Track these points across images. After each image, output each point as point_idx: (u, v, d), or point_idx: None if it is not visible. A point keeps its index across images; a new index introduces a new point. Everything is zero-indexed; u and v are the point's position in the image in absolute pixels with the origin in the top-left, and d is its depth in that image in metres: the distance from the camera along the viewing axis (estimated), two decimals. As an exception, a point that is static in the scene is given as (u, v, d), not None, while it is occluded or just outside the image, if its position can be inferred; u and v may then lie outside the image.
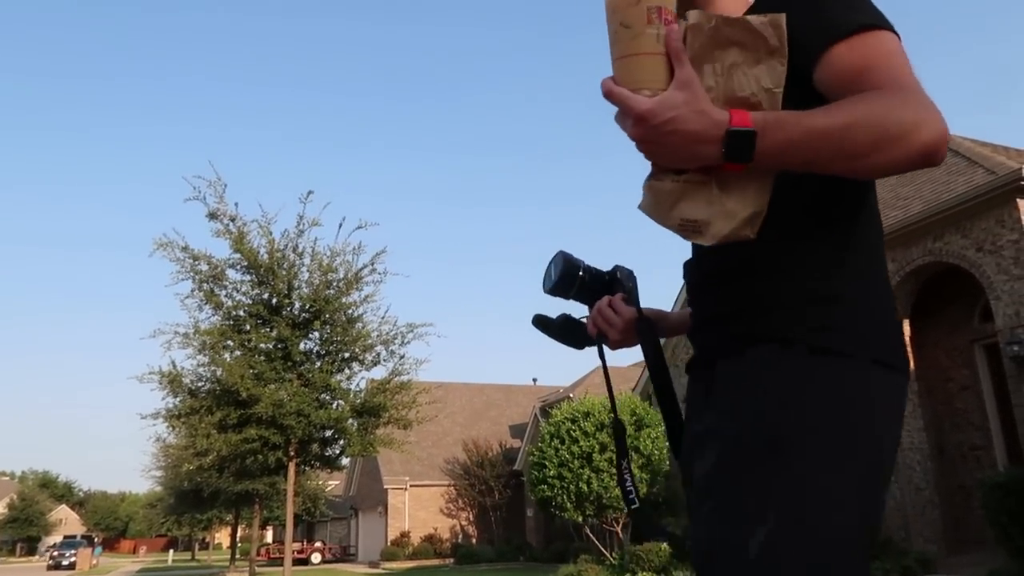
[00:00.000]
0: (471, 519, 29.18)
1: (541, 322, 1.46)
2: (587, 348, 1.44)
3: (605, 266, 1.42)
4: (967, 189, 9.84)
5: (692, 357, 1.22)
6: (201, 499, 25.14)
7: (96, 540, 66.40)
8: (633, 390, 16.86)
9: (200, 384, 12.63)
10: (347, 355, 13.47)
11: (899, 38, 1.03)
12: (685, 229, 1.01)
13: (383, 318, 13.78)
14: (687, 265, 1.27)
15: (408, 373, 13.77)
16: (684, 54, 0.95)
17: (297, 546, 34.82)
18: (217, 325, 12.52)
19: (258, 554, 34.32)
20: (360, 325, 13.44)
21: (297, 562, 33.17)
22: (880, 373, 1.03)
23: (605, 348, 1.41)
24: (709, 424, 1.08)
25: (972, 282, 10.18)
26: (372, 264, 13.26)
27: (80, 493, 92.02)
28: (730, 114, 0.92)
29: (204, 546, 65.12)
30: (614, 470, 13.58)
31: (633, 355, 16.69)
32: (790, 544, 0.95)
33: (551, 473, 13.96)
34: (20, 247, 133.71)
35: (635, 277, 1.40)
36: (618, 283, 1.38)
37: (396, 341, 13.57)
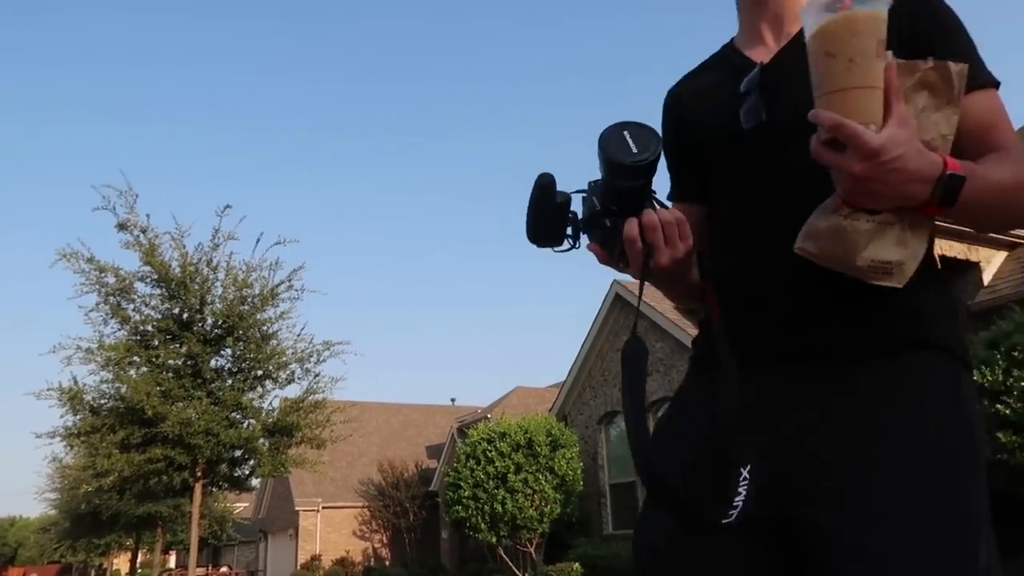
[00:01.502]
0: (385, 541, 28.68)
1: (547, 186, 1.10)
2: (554, 249, 1.15)
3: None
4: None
5: (785, 351, 1.09)
6: (99, 523, 23.82)
7: (-21, 568, 61.87)
8: (550, 411, 17.00)
9: (103, 402, 12.08)
10: (260, 373, 13.13)
11: None
12: (875, 271, 0.98)
13: (299, 335, 13.53)
14: (735, 272, 1.18)
15: (323, 392, 13.52)
16: (902, 92, 0.93)
17: (201, 571, 33.46)
18: (123, 340, 12.01)
19: (160, 580, 32.78)
20: (275, 342, 13.15)
21: (201, 588, 31.87)
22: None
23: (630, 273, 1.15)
24: (867, 431, 1.01)
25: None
26: (289, 280, 13.02)
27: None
28: (943, 158, 0.93)
29: (101, 573, 61.62)
30: (529, 490, 13.64)
31: (553, 376, 16.86)
32: (993, 556, 0.98)
33: (466, 494, 13.90)
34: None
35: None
36: (658, 203, 1.12)
37: (312, 359, 13.33)
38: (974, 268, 10.49)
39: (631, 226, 1.08)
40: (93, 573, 61.08)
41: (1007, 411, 7.03)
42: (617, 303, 15.62)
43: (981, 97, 1.06)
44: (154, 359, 11.95)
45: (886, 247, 0.97)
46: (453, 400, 36.45)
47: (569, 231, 1.14)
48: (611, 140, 1.06)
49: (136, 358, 11.95)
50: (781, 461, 1.03)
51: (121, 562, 52.03)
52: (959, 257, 10.34)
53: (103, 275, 11.74)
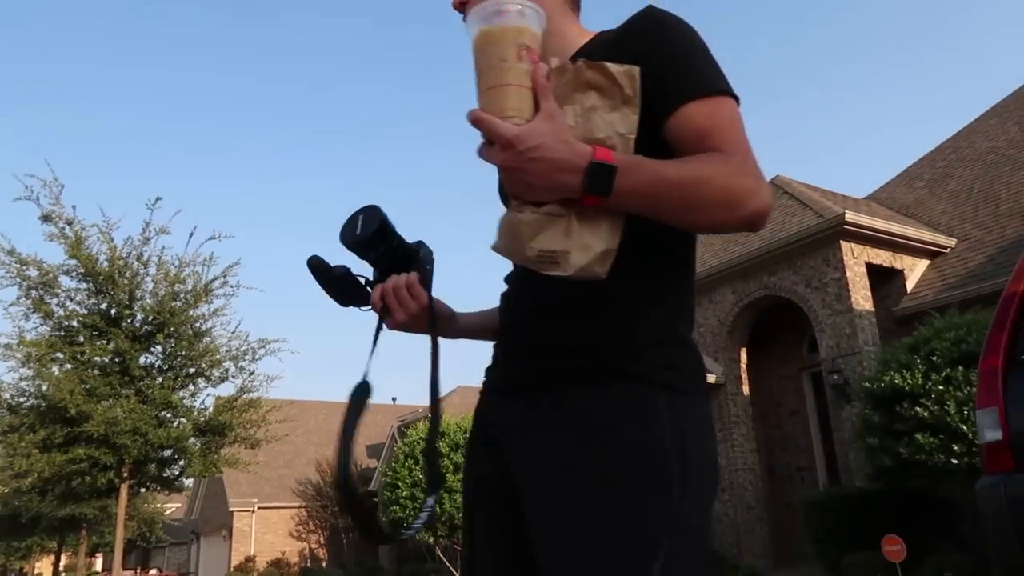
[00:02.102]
0: (322, 542, 28.27)
1: (317, 266, 1.30)
2: (354, 308, 1.34)
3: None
4: (799, 229, 10.69)
5: (511, 379, 1.21)
6: (19, 525, 22.80)
7: None
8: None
9: (22, 400, 11.59)
10: (192, 370, 12.78)
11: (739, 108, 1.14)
12: (543, 260, 1.03)
13: (234, 333, 13.21)
14: (510, 294, 1.29)
15: (258, 390, 13.24)
16: (550, 90, 1.00)
17: (130, 574, 32.46)
18: (46, 336, 11.55)
19: (84, 584, 31.61)
20: (208, 339, 12.81)
21: (129, 591, 30.91)
22: (706, 407, 1.15)
23: (382, 325, 1.33)
24: (556, 453, 1.08)
25: (802, 315, 11.04)
26: (224, 276, 12.71)
27: None
28: (593, 148, 0.98)
29: (22, 576, 59.07)
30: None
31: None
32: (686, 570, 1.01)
33: (404, 494, 13.80)
34: None
35: (434, 261, 1.35)
36: (419, 262, 1.31)
37: (247, 357, 13.04)
38: (898, 275, 10.89)
39: (374, 293, 1.28)
40: (13, 577, 58.59)
41: (925, 413, 7.29)
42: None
43: (701, 106, 1.07)
44: (79, 356, 11.52)
45: (553, 238, 1.01)
46: (394, 399, 36.08)
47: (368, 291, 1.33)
48: (346, 223, 1.26)
49: (59, 354, 11.51)
50: (503, 478, 1.15)
51: (44, 566, 50.13)
52: (884, 265, 10.72)
53: (24, 268, 11.27)
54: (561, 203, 1.01)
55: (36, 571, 56.11)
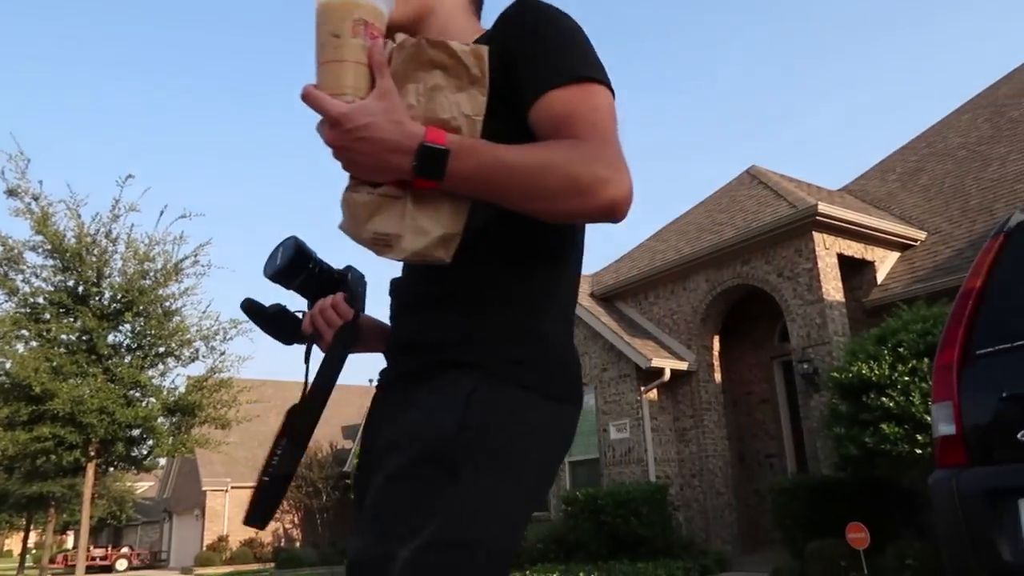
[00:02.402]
0: (296, 522, 28.24)
1: (251, 308, 1.32)
2: (296, 345, 1.34)
3: (340, 264, 1.35)
4: (772, 220, 10.72)
5: (389, 376, 1.21)
6: (-17, 502, 22.66)
7: None
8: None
9: (-16, 377, 11.39)
10: (162, 350, 12.64)
11: (614, 96, 1.08)
12: (377, 243, 1.01)
13: (204, 312, 13.12)
14: (394, 283, 1.27)
15: (229, 371, 13.12)
16: (386, 67, 0.97)
17: (100, 552, 32.24)
18: (10, 313, 11.34)
19: (53, 561, 31.37)
20: (178, 319, 12.66)
21: (101, 569, 30.72)
22: (555, 407, 1.09)
23: (315, 348, 1.32)
24: (389, 438, 1.08)
25: (773, 304, 11.10)
26: (195, 255, 12.54)
27: None
28: (426, 130, 0.95)
29: (-8, 553, 58.61)
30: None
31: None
32: (438, 562, 0.96)
33: (376, 476, 13.77)
34: None
35: (366, 283, 1.34)
36: (346, 284, 1.31)
37: (217, 337, 12.90)
38: (869, 267, 10.96)
39: (305, 320, 1.29)
40: (-17, 553, 58.07)
41: (891, 404, 7.36)
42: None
43: (561, 93, 1.03)
44: (44, 333, 11.34)
45: (389, 220, 0.99)
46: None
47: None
48: (268, 258, 1.29)
49: (25, 332, 11.33)
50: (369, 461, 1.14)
51: (13, 542, 49.71)
52: (856, 256, 10.78)
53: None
54: (397, 184, 0.98)
55: (5, 548, 55.68)
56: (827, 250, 10.40)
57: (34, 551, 33.17)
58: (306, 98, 0.95)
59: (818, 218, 10.17)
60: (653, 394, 12.40)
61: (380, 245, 1.01)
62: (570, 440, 1.13)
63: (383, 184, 0.99)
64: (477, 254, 1.09)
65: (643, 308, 13.63)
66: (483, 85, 1.00)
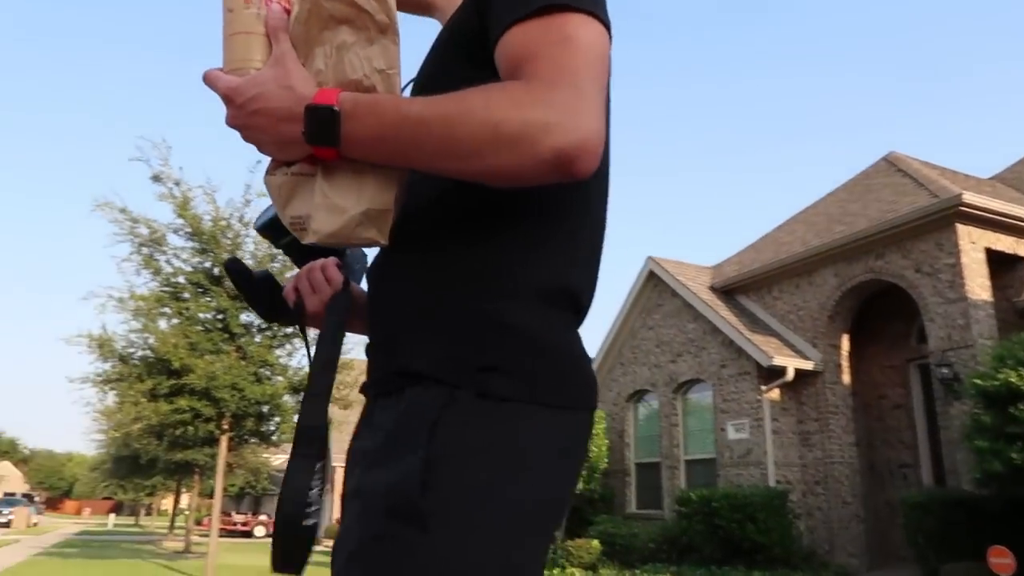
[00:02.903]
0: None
1: (235, 269, 1.18)
2: (276, 324, 1.21)
3: None
4: (911, 210, 9.89)
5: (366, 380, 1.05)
6: (139, 466, 24.65)
7: (38, 499, 65.25)
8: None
9: (132, 351, 12.32)
10: (289, 330, 13.23)
11: (601, 23, 0.88)
12: (295, 227, 0.91)
13: (331, 295, 13.53)
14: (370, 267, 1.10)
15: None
16: (283, 32, 0.88)
17: (242, 518, 34.51)
18: (154, 291, 12.20)
19: (199, 523, 33.92)
20: (305, 301, 13.19)
21: (242, 534, 32.87)
22: (548, 416, 0.87)
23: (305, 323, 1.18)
24: (353, 483, 0.93)
25: (910, 302, 10.25)
26: (320, 240, 13.00)
27: (25, 451, 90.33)
28: (316, 92, 0.84)
29: (150, 512, 64.43)
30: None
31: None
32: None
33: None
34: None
35: (366, 259, 1.18)
36: (342, 251, 1.16)
37: (340, 320, 13.34)
38: (1021, 263, 9.89)
39: (288, 285, 1.17)
40: (143, 511, 63.85)
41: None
42: (651, 280, 15.27)
43: (523, 28, 0.86)
44: (184, 311, 12.10)
45: (303, 201, 0.90)
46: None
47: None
48: (264, 210, 1.17)
49: (167, 309, 12.13)
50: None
51: (169, 503, 54.14)
52: (1007, 251, 9.76)
53: (136, 226, 11.90)
54: (310, 161, 0.88)
55: (163, 507, 60.80)
56: (973, 244, 9.47)
57: (185, 512, 35.97)
58: (204, 79, 0.88)
59: (963, 209, 9.27)
60: (775, 394, 11.79)
61: (297, 229, 0.91)
62: (578, 451, 0.91)
63: (296, 162, 0.89)
64: (432, 231, 0.93)
65: (766, 303, 12.98)
66: (394, 32, 0.88)
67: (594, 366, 13.53)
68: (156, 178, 11.76)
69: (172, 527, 33.28)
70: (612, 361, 16.25)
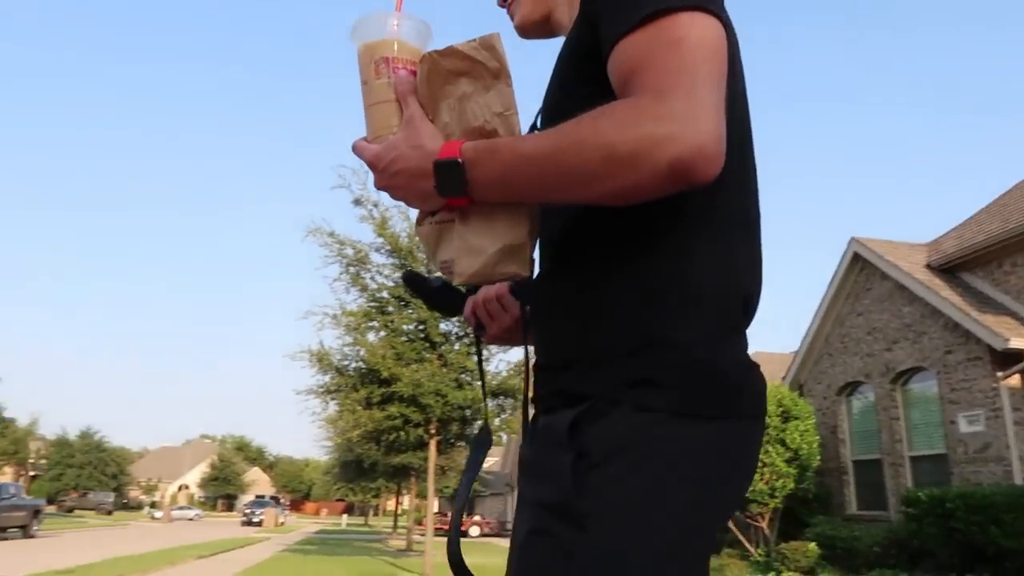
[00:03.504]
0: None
1: (413, 280, 1.29)
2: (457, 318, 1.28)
3: None
4: None
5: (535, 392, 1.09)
6: (363, 469, 26.68)
7: (283, 501, 72.64)
8: (783, 379, 15.94)
9: (346, 363, 13.35)
10: (485, 337, 13.71)
11: (710, 14, 0.84)
12: (445, 271, 0.98)
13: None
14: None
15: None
16: (410, 95, 0.95)
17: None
18: (362, 307, 13.15)
19: (419, 523, 36.02)
20: (498, 308, 13.62)
21: (456, 534, 34.53)
22: (704, 427, 0.87)
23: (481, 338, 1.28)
24: (533, 479, 0.97)
25: None
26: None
27: (270, 457, 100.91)
28: (441, 146, 0.89)
29: (377, 512, 69.57)
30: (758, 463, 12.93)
31: (790, 343, 15.73)
32: None
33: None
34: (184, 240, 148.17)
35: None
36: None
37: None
38: None
39: (467, 306, 1.24)
40: (372, 512, 69.10)
41: None
42: (856, 263, 14.16)
43: (630, 40, 0.84)
44: (389, 324, 12.95)
45: (448, 246, 0.97)
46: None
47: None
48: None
49: (374, 323, 13.04)
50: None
51: (393, 504, 58.11)
52: None
53: (343, 248, 12.90)
54: (448, 208, 0.95)
55: (388, 508, 65.30)
56: None
57: (405, 512, 38.47)
58: (352, 150, 0.98)
59: None
60: (1015, 380, 10.48)
61: (447, 273, 0.98)
62: (738, 458, 0.91)
63: (438, 212, 0.97)
64: (579, 255, 0.96)
65: (995, 279, 11.59)
66: (506, 75, 0.93)
67: (798, 359, 12.77)
68: (357, 201, 12.70)
69: (395, 527, 35.64)
70: (819, 352, 15.24)
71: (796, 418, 13.31)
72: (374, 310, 13.16)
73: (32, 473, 56.60)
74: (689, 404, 0.87)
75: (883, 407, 13.15)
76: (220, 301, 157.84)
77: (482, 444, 1.15)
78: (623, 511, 0.84)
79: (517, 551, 0.94)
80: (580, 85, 0.95)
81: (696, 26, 0.83)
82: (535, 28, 1.16)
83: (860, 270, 14.13)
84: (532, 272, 0.96)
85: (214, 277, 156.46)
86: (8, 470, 49.28)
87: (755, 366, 0.96)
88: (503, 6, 1.19)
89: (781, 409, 13.32)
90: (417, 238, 1.27)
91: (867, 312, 13.86)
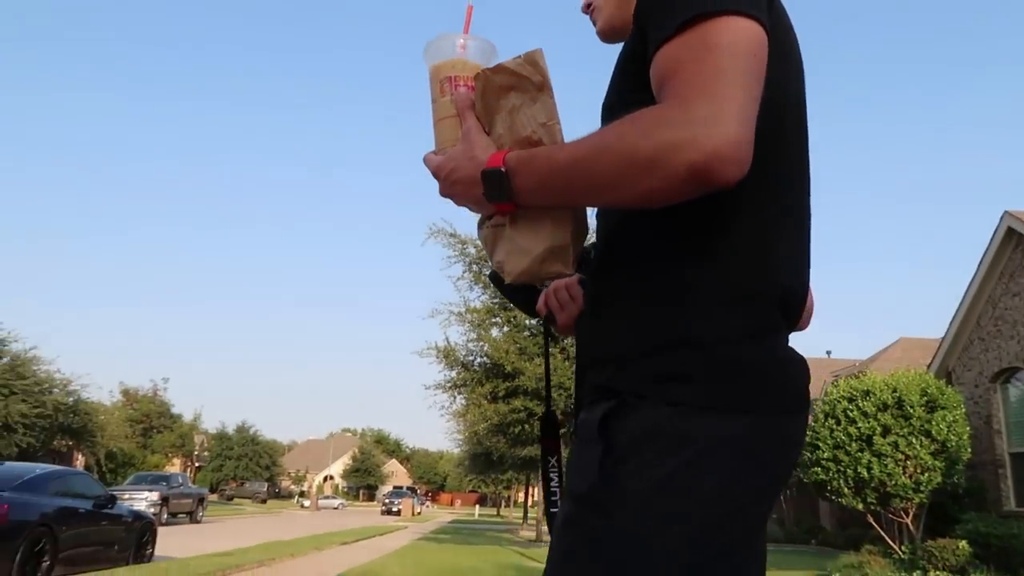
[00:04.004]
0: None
1: (496, 278, 1.36)
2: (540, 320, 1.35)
3: None
4: None
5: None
6: (492, 462, 27.26)
7: (420, 492, 75.25)
8: (928, 367, 14.96)
9: (471, 358, 13.74)
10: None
11: (748, 17, 0.87)
12: (501, 271, 1.06)
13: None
14: None
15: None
16: (468, 110, 1.04)
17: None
18: (485, 304, 13.49)
19: (551, 515, 36.31)
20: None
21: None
22: (733, 422, 0.90)
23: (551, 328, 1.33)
24: (571, 472, 1.03)
25: None
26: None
27: (407, 450, 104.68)
28: (489, 156, 0.98)
29: (508, 503, 70.84)
30: (900, 455, 12.24)
31: (938, 328, 14.73)
32: None
33: (825, 455, 12.94)
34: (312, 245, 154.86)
35: None
36: (584, 264, 1.31)
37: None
38: None
39: (540, 298, 1.31)
40: (503, 503, 70.35)
41: None
42: (1010, 238, 13.09)
43: (668, 47, 0.88)
44: (512, 320, 13.22)
45: (501, 248, 1.05)
46: (829, 353, 34.05)
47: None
48: None
49: (497, 319, 13.35)
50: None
51: (523, 496, 58.92)
52: None
53: (465, 247, 13.27)
54: (500, 213, 1.03)
55: (519, 499, 66.39)
56: None
57: (535, 504, 39.01)
58: (423, 161, 1.08)
59: None
60: None
61: (500, 272, 1.06)
62: (776, 458, 0.93)
63: (493, 216, 1.06)
64: (618, 251, 1.02)
65: None
66: (549, 88, 1.01)
67: (945, 344, 12.00)
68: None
69: (525, 518, 36.14)
70: (969, 337, 14.21)
71: (943, 408, 12.46)
72: (497, 306, 13.47)
73: (197, 464, 61.47)
74: (714, 398, 0.89)
75: (1043, 395, 12.12)
76: (358, 303, 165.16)
77: (551, 427, 1.25)
78: (646, 500, 0.87)
79: (554, 539, 0.99)
80: (632, 91, 0.98)
81: (730, 30, 0.85)
82: (615, 34, 1.19)
83: (1015, 246, 13.06)
84: (572, 272, 1.04)
85: (354, 284, 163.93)
86: (176, 461, 53.73)
87: (796, 362, 0.97)
88: (586, 12, 1.25)
89: (925, 399, 12.52)
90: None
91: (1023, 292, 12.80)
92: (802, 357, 1.00)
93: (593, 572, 0.89)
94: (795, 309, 1.01)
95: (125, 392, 48.81)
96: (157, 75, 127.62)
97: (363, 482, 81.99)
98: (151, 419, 48.41)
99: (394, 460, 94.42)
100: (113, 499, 10.52)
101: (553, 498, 1.21)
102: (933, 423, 12.32)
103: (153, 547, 11.67)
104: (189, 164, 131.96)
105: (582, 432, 0.99)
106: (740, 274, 0.94)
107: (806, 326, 1.14)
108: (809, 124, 1.07)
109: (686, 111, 0.81)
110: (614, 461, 0.90)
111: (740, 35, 0.86)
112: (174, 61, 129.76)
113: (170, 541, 13.72)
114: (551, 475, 1.25)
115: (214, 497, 48.69)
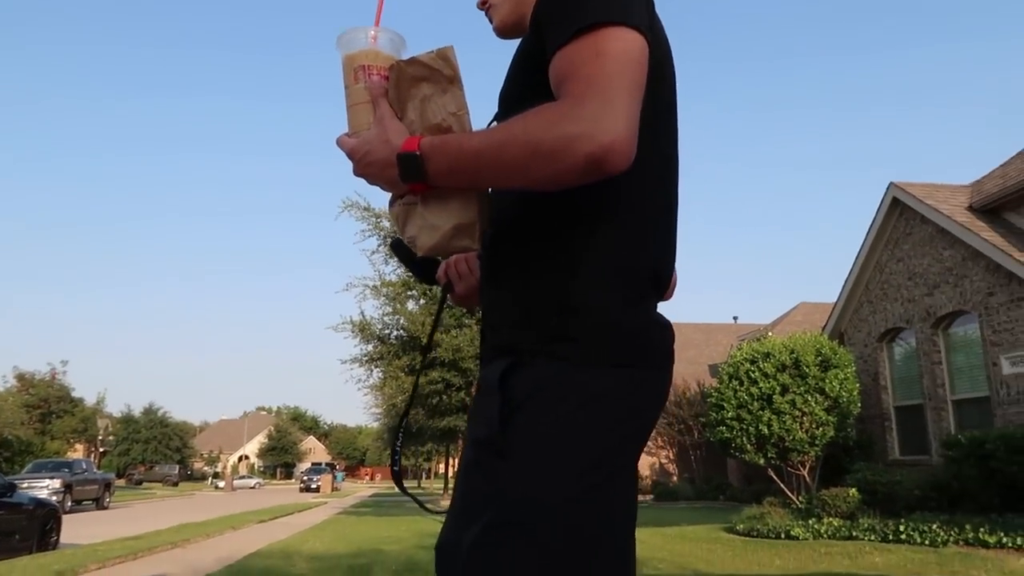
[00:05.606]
0: (671, 457, 29.20)
1: (399, 247, 1.39)
2: (436, 287, 1.45)
3: None
4: None
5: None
6: (411, 434, 27.34)
7: (338, 467, 74.67)
8: (823, 329, 15.86)
9: (387, 332, 13.73)
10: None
11: (633, 29, 0.99)
12: (412, 246, 1.15)
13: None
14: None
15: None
16: (382, 98, 1.12)
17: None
18: (401, 277, 13.47)
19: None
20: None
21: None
22: (610, 372, 1.04)
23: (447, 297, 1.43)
24: (472, 421, 1.16)
25: None
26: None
27: (325, 426, 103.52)
28: (403, 140, 1.05)
29: (429, 475, 71.20)
30: (796, 412, 13.00)
31: (835, 293, 15.58)
32: (501, 544, 0.98)
33: (729, 415, 13.62)
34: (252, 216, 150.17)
35: None
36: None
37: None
38: None
39: (440, 268, 1.40)
40: (424, 475, 70.65)
41: None
42: (895, 208, 13.94)
43: (565, 51, 1.00)
44: (427, 292, 13.25)
45: (413, 224, 1.13)
46: (735, 318, 35.49)
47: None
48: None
49: (412, 292, 13.35)
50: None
51: (443, 467, 59.33)
52: None
53: (379, 220, 13.18)
54: (412, 192, 1.11)
55: (440, 471, 66.81)
56: None
57: (455, 475, 39.38)
58: (336, 143, 1.15)
59: None
60: (1058, 320, 10.31)
61: (413, 247, 1.15)
62: (647, 406, 1.08)
63: (405, 195, 1.13)
64: (516, 231, 1.12)
65: (1038, 218, 11.33)
66: (459, 81, 1.10)
67: (838, 308, 12.70)
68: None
69: (446, 488, 36.49)
70: (859, 300, 15.12)
71: (835, 367, 13.27)
72: (412, 279, 13.47)
73: (101, 449, 59.13)
74: (596, 354, 1.03)
75: (924, 352, 13.06)
76: (268, 279, 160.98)
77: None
78: (537, 441, 1.00)
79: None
80: (527, 86, 1.10)
81: (616, 40, 0.97)
82: (511, 30, 1.29)
83: (900, 215, 13.92)
84: (479, 247, 1.13)
85: (264, 258, 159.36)
86: (79, 447, 51.54)
87: (663, 326, 1.13)
88: (482, 8, 1.34)
89: (820, 359, 13.29)
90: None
91: (907, 258, 13.69)
92: (669, 322, 1.15)
93: (495, 506, 1.00)
94: (665, 282, 1.16)
95: (20, 377, 46.23)
96: None
97: (280, 460, 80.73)
98: (49, 404, 46.09)
99: (312, 437, 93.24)
100: (12, 487, 10.12)
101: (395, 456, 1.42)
102: (827, 381, 13.10)
103: (58, 535, 11.30)
104: (77, 138, 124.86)
105: (483, 385, 1.12)
106: (621, 251, 1.08)
107: (671, 297, 1.28)
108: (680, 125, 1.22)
109: (582, 109, 0.93)
110: (511, 410, 1.02)
111: (628, 44, 0.98)
112: None
113: (76, 529, 13.27)
114: (399, 433, 1.43)
115: (121, 482, 47.03)
